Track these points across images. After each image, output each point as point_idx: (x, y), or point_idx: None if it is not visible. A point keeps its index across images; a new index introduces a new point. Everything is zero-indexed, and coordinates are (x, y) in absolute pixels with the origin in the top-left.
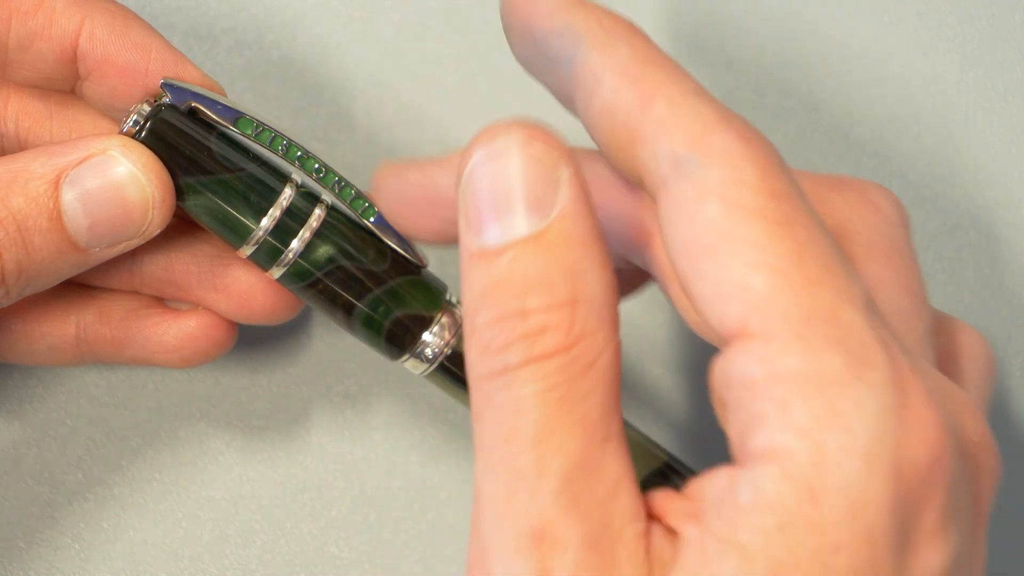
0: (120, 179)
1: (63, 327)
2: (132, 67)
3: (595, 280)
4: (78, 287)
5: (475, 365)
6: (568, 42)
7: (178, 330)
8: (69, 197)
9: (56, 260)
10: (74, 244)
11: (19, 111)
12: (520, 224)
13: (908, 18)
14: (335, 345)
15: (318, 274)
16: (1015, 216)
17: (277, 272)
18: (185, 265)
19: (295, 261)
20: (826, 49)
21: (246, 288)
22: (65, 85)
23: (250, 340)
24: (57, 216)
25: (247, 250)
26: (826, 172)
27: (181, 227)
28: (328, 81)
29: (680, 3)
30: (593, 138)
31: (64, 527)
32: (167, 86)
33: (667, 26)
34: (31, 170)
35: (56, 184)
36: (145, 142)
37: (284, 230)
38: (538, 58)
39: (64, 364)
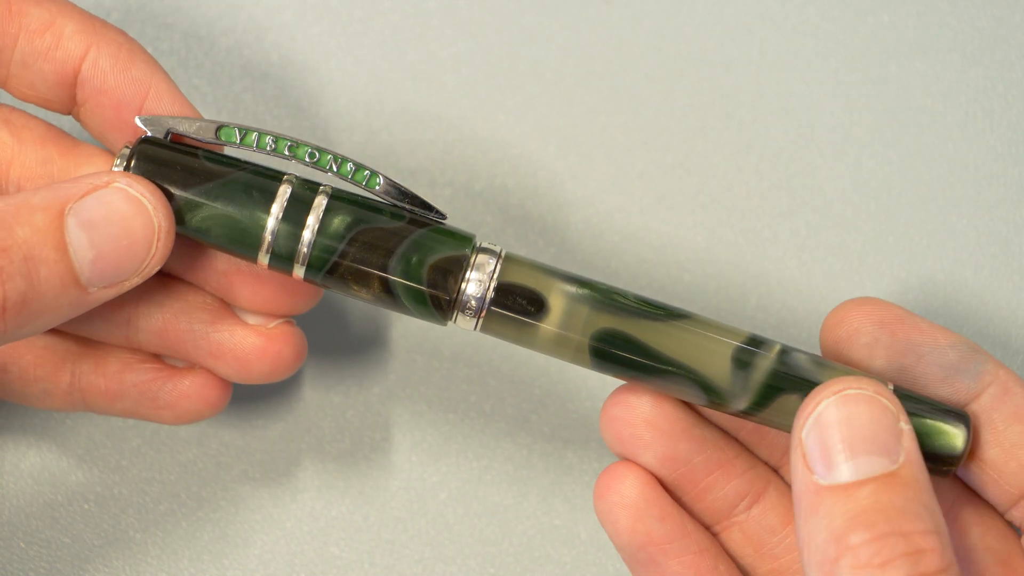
0: (127, 210)
1: (58, 374)
2: (127, 103)
3: (942, 520)
4: (77, 336)
5: None
6: (968, 356)
7: (173, 388)
8: (75, 228)
9: (58, 296)
10: (76, 279)
11: (22, 176)
12: (876, 464)
13: (908, 18)
14: (335, 346)
15: (338, 255)
16: (1015, 216)
17: (300, 270)
18: (179, 332)
19: (313, 252)
20: (826, 49)
21: (243, 352)
22: (62, 108)
23: None
24: (63, 247)
25: (263, 257)
26: (825, 172)
27: (177, 293)
28: (328, 81)
29: (680, 3)
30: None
31: (64, 527)
32: (142, 121)
33: (668, 26)
34: (33, 203)
35: (60, 215)
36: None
37: (292, 224)
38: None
39: (55, 409)
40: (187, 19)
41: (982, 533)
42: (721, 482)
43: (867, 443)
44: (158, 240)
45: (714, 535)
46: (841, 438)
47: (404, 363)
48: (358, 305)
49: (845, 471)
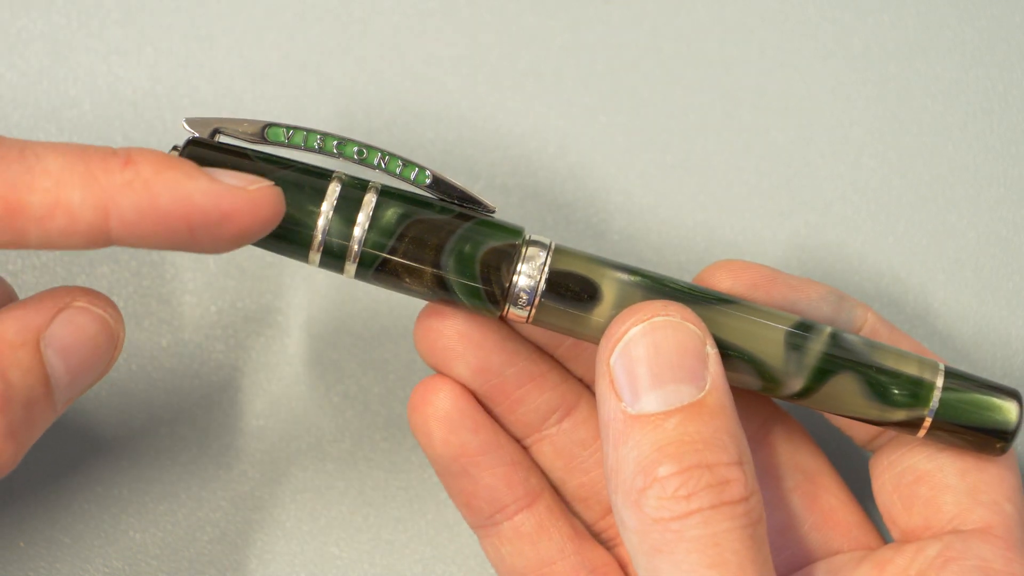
0: (93, 328)
1: None
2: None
3: (747, 447)
4: None
5: (657, 509)
6: (839, 305)
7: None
8: (53, 358)
9: (45, 423)
10: (54, 404)
11: None
12: (683, 392)
13: (908, 18)
14: (335, 346)
15: (388, 251)
16: (1015, 216)
17: (351, 267)
18: None
19: (364, 249)
20: (826, 49)
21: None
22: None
23: (249, 340)
24: (46, 380)
25: (314, 256)
26: (825, 172)
27: None
28: (328, 81)
29: (680, 3)
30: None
31: (64, 527)
32: (189, 122)
33: (668, 26)
34: (10, 340)
35: (38, 347)
36: None
37: (343, 222)
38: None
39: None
40: (187, 19)
41: (791, 451)
42: (533, 394)
43: (674, 371)
44: (116, 349)
45: (525, 448)
46: (648, 366)
47: (404, 363)
48: (359, 304)
49: (652, 400)
